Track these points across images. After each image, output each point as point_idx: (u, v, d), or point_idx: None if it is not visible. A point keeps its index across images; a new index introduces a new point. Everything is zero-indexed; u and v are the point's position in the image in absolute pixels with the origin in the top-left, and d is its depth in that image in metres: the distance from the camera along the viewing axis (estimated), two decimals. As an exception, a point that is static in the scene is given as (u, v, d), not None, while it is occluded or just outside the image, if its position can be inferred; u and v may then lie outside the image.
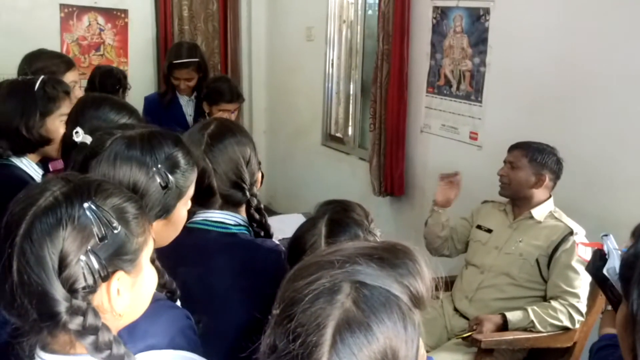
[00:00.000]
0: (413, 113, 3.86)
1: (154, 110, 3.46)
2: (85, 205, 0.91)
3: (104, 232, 0.91)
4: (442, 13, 3.55)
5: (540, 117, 3.04)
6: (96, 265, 0.90)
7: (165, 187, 1.26)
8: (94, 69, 3.63)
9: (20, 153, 2.00)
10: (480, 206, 2.96)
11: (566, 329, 2.49)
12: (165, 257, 1.57)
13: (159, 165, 1.25)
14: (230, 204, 1.64)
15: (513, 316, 2.53)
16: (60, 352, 0.92)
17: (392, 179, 3.95)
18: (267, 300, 0.91)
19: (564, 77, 2.92)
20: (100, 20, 4.66)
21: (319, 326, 0.77)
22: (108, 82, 3.40)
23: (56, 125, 1.99)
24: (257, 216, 1.66)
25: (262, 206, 1.68)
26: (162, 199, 1.26)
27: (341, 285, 0.80)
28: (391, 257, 0.85)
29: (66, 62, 2.66)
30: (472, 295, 2.74)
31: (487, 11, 3.25)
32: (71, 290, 0.88)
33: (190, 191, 1.36)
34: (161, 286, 1.23)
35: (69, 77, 2.56)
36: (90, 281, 0.89)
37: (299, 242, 1.38)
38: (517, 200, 2.76)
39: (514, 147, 2.76)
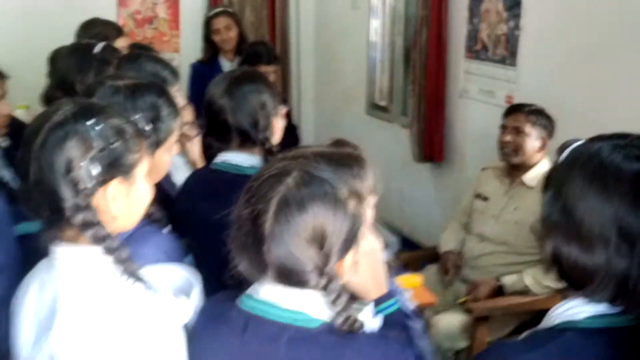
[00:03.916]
0: (452, 78, 3.88)
1: (199, 76, 3.67)
2: (89, 122, 1.10)
3: (103, 144, 1.10)
4: (479, -23, 3.55)
5: (575, 79, 3.02)
6: (95, 171, 1.09)
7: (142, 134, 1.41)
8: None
9: None
10: (480, 173, 2.99)
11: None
12: (190, 192, 1.77)
13: (137, 115, 1.41)
14: (246, 143, 1.80)
15: (508, 280, 2.57)
16: (69, 242, 1.12)
17: (432, 144, 3.99)
18: None
19: (598, 39, 2.90)
20: (154, -6, 4.89)
21: (266, 197, 1.05)
22: None
23: None
24: (269, 158, 1.81)
25: (274, 149, 1.82)
26: None
27: (291, 171, 1.06)
28: (342, 159, 1.12)
29: (117, 29, 2.92)
30: (474, 263, 2.79)
31: (522, -27, 3.23)
32: (75, 190, 1.08)
33: (172, 139, 1.52)
34: (147, 216, 1.39)
35: (120, 43, 2.80)
36: (90, 184, 1.09)
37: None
38: (516, 165, 2.75)
39: (512, 111, 2.76)
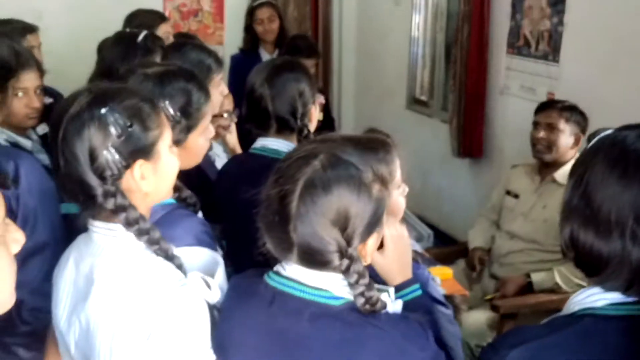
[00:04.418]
0: (493, 74, 3.86)
1: (240, 68, 3.73)
2: (103, 110, 1.13)
3: (119, 130, 1.14)
4: (523, -28, 3.52)
5: (618, 76, 2.98)
6: (117, 157, 1.13)
7: (172, 120, 1.44)
8: None
9: None
10: (510, 171, 2.96)
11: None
12: (229, 175, 1.91)
13: (166, 102, 1.44)
14: (284, 130, 1.86)
15: (537, 277, 2.54)
16: (105, 221, 1.18)
17: (471, 140, 3.98)
18: None
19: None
20: (199, -13, 5.00)
21: (294, 177, 1.09)
22: None
23: None
24: None
25: (311, 136, 1.87)
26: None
27: (318, 153, 1.10)
28: (368, 143, 1.15)
29: (160, 16, 3.02)
30: (503, 260, 2.77)
31: (566, -31, 3.20)
32: (101, 177, 1.13)
33: (204, 123, 1.55)
34: (182, 200, 1.46)
35: (163, 29, 2.91)
36: (115, 170, 1.14)
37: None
38: (547, 163, 2.72)
39: (545, 107, 2.72)
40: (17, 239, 0.87)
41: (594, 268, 1.02)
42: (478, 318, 2.62)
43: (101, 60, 2.27)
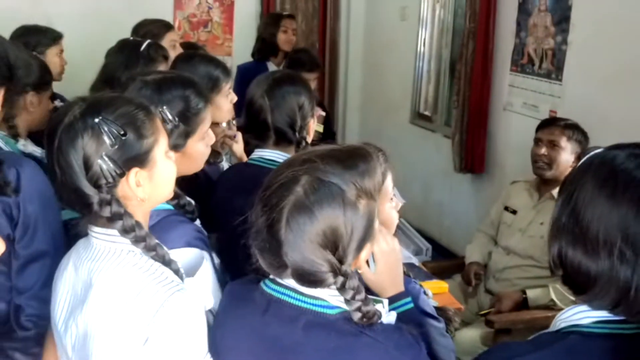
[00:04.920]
0: (496, 91, 3.89)
1: (247, 78, 3.77)
2: (96, 120, 1.15)
3: (113, 139, 1.15)
4: (528, -9, 3.56)
5: (621, 96, 3.00)
6: (112, 165, 1.15)
7: (171, 125, 1.45)
8: None
9: None
10: (509, 187, 2.97)
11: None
12: (226, 184, 1.91)
13: (164, 107, 1.46)
14: (282, 142, 1.88)
15: (533, 293, 2.53)
16: (103, 227, 1.20)
17: (473, 155, 4.01)
18: None
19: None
20: (209, -2, 5.07)
21: (278, 206, 1.09)
22: None
23: None
24: None
25: (309, 148, 1.89)
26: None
27: (300, 178, 1.10)
28: (347, 158, 1.14)
29: (165, 25, 3.04)
30: (499, 275, 2.78)
31: (571, -11, 3.24)
32: (97, 186, 1.15)
33: (203, 129, 1.56)
34: (180, 207, 1.47)
35: (169, 37, 2.94)
36: (109, 178, 1.15)
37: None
38: (547, 180, 2.73)
39: (547, 124, 2.73)
40: None
41: (581, 286, 1.02)
42: (472, 335, 2.62)
43: (104, 68, 2.30)
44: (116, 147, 1.16)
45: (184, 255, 1.34)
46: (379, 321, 1.15)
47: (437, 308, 1.53)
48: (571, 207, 1.02)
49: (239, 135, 2.46)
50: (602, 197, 0.99)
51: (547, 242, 1.08)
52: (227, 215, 1.81)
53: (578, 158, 2.67)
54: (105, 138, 1.15)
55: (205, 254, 1.38)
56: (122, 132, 1.16)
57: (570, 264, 1.02)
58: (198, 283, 1.25)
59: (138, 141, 1.19)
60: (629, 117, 2.84)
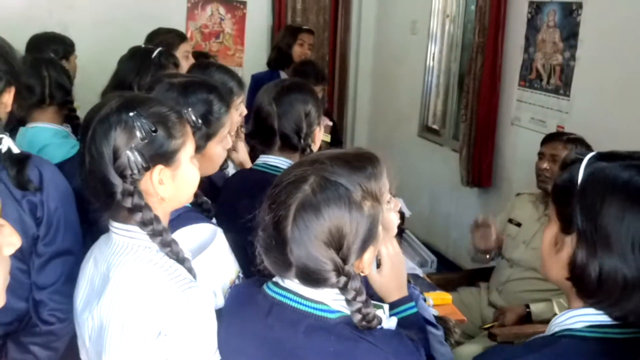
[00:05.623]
0: (504, 105, 3.92)
1: (260, 87, 3.83)
2: (131, 114, 1.20)
3: (144, 134, 1.20)
4: (537, 8, 3.59)
5: (628, 112, 3.02)
6: (139, 158, 1.20)
7: (194, 127, 1.49)
8: None
9: None
10: (514, 199, 2.98)
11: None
12: (232, 189, 1.96)
13: (189, 109, 1.51)
14: (287, 148, 1.92)
15: (536, 308, 2.53)
16: (123, 222, 1.24)
17: (480, 169, 4.03)
18: None
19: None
20: (222, 10, 5.12)
21: (286, 204, 1.12)
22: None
23: None
24: None
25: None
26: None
27: (308, 177, 1.13)
28: (355, 161, 1.17)
29: (179, 35, 3.07)
30: (502, 288, 2.79)
31: (579, 6, 3.26)
32: (122, 176, 1.20)
33: (223, 132, 1.62)
34: (198, 205, 1.52)
35: (183, 48, 2.98)
36: (135, 169, 1.20)
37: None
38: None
39: (550, 139, 2.74)
40: (11, 242, 0.88)
41: (588, 289, 1.04)
42: (475, 350, 2.61)
43: (115, 74, 2.34)
44: (146, 141, 1.21)
45: (199, 231, 1.38)
46: (379, 326, 1.17)
47: (438, 318, 1.54)
48: (590, 214, 1.03)
49: (239, 145, 2.49)
50: (617, 204, 1.01)
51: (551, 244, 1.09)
52: (230, 218, 1.85)
53: (563, 163, 2.69)
54: (137, 132, 1.20)
55: (219, 229, 1.41)
56: (153, 129, 1.22)
57: (606, 274, 1.02)
58: (214, 255, 1.28)
59: (167, 140, 1.24)
60: (637, 132, 2.86)
